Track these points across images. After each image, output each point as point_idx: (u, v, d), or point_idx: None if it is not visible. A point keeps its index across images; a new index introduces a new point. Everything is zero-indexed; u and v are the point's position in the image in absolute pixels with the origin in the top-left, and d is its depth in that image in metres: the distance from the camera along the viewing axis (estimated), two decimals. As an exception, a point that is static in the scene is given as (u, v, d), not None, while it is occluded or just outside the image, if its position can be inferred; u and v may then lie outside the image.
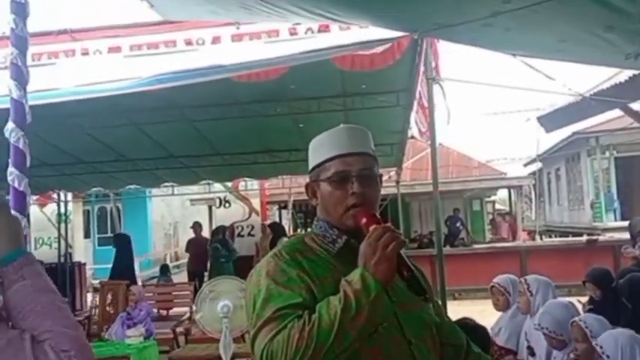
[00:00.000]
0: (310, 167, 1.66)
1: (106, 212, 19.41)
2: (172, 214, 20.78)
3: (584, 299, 4.52)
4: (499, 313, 3.91)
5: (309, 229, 1.69)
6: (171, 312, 8.18)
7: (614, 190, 18.37)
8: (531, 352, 3.14)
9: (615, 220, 17.80)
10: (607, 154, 18.42)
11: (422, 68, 5.52)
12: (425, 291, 1.48)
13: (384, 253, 1.38)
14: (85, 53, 5.29)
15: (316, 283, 1.46)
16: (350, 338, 1.35)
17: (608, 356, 2.53)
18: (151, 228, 19.12)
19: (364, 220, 1.49)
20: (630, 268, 4.24)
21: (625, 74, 5.56)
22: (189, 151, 9.56)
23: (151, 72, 4.12)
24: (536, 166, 22.62)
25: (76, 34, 5.55)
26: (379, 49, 4.86)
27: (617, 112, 8.48)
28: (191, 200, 16.54)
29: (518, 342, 3.56)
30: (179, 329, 6.97)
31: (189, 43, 5.12)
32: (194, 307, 7.79)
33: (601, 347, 2.58)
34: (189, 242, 12.33)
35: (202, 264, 11.33)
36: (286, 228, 13.57)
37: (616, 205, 18.18)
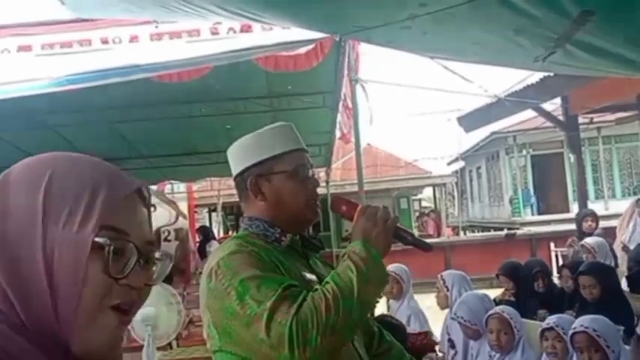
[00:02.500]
0: (254, 161, 1.57)
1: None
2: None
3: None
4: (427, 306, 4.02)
5: (241, 231, 1.62)
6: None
7: (530, 186, 19.32)
8: (452, 344, 3.24)
9: (532, 214, 18.74)
10: (524, 152, 19.35)
11: (345, 70, 5.59)
12: (430, 245, 1.56)
13: (385, 226, 1.45)
14: (-8, 51, 4.99)
15: (286, 271, 1.45)
16: (367, 307, 1.40)
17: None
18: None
19: (344, 208, 1.55)
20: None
21: (536, 76, 5.84)
22: (110, 153, 9.11)
23: (62, 72, 3.92)
24: (458, 165, 23.44)
25: (-18, 32, 5.22)
26: (302, 50, 4.86)
27: (532, 113, 8.92)
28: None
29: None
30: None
31: (105, 41, 4.92)
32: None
33: (562, 328, 2.74)
34: None
35: None
36: (215, 231, 13.37)
37: (533, 200, 19.12)
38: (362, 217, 1.46)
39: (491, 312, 2.96)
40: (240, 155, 1.61)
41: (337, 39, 4.00)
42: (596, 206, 15.15)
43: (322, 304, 1.31)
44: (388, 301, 3.99)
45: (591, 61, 3.46)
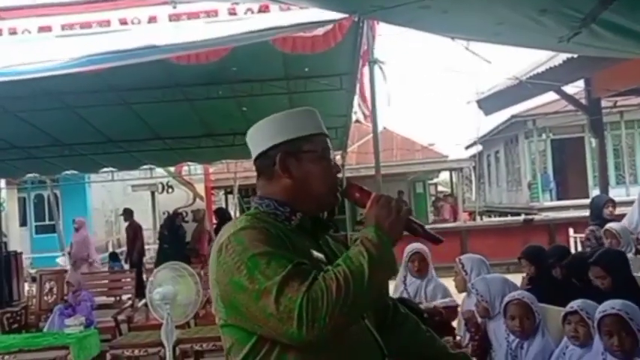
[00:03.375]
0: (284, 139, 1.54)
1: (43, 199, 18.66)
2: (113, 201, 20.18)
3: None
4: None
5: (252, 209, 1.60)
6: (114, 300, 7.98)
7: (550, 171, 19.06)
8: (467, 327, 3.23)
9: (551, 200, 18.52)
10: (543, 136, 19.07)
11: (362, 52, 5.53)
12: (440, 238, 1.55)
13: (399, 216, 1.46)
14: (13, 33, 5.01)
15: (295, 250, 1.44)
16: (376, 291, 1.40)
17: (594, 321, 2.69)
18: (91, 215, 18.52)
19: (358, 195, 1.55)
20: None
21: (560, 58, 5.73)
22: (128, 135, 9.30)
23: (82, 52, 3.93)
24: (476, 149, 23.22)
25: (3, 13, 5.24)
26: (320, 31, 4.82)
27: (553, 96, 8.78)
28: (133, 186, 16.12)
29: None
30: (121, 317, 6.80)
31: (124, 22, 4.92)
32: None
33: (587, 313, 2.74)
34: (129, 227, 11.97)
35: (137, 251, 11.11)
36: (232, 213, 13.44)
37: (552, 185, 18.87)
38: (376, 205, 1.47)
39: (509, 298, 2.93)
40: (267, 133, 1.57)
41: (356, 19, 3.95)
42: (618, 192, 14.97)
43: (333, 284, 1.32)
44: (406, 278, 3.96)
45: (617, 41, 3.38)
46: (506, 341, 2.92)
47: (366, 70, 5.27)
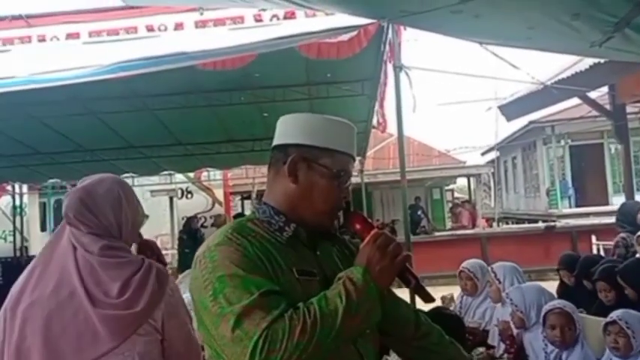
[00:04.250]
0: (306, 142, 1.46)
1: (62, 205, 18.81)
2: (132, 207, 20.33)
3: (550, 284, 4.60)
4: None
5: (249, 214, 1.54)
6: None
7: (568, 177, 18.86)
8: (503, 340, 3.18)
9: (570, 207, 18.30)
10: (562, 142, 18.90)
11: (385, 57, 5.53)
12: (432, 297, 1.44)
13: (393, 263, 1.35)
14: (42, 40, 5.08)
15: (275, 271, 1.36)
16: (342, 338, 1.29)
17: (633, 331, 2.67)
18: (110, 221, 18.67)
19: (359, 227, 1.45)
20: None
21: (585, 63, 5.68)
22: (150, 141, 9.37)
23: (112, 59, 3.98)
24: (493, 155, 23.07)
25: (32, 20, 5.33)
26: (346, 37, 4.83)
27: (571, 102, 8.70)
28: (151, 191, 16.22)
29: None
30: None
31: (150, 29, 4.98)
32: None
33: (626, 322, 2.70)
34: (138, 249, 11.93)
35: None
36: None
37: (571, 192, 18.66)
38: (372, 244, 1.36)
39: (550, 306, 2.86)
40: (295, 128, 1.49)
41: (384, 24, 3.95)
42: (638, 199, 14.76)
43: (298, 327, 1.23)
44: (462, 297, 3.88)
45: (651, 46, 3.35)
46: (544, 352, 2.86)
47: (390, 75, 5.25)
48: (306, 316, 1.24)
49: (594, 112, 9.25)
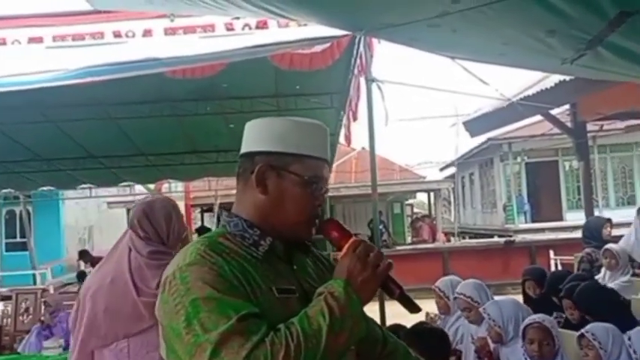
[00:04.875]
0: (273, 149, 1.35)
1: (14, 215, 18.14)
2: (87, 218, 19.78)
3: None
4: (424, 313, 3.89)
5: (220, 228, 1.41)
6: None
7: (524, 193, 19.37)
8: (480, 357, 3.16)
9: (526, 222, 18.77)
10: (518, 159, 19.41)
11: (356, 70, 5.54)
12: (418, 307, 1.35)
13: (375, 273, 1.26)
14: (2, 43, 4.88)
15: (254, 291, 1.26)
16: (333, 356, 1.19)
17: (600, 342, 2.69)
18: (63, 232, 18.09)
19: (335, 234, 1.36)
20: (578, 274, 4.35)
21: (550, 81, 5.82)
22: (110, 150, 9.14)
23: (79, 64, 3.83)
24: (451, 171, 23.49)
25: (-9, 22, 5.12)
26: (319, 48, 4.81)
27: (528, 120, 8.88)
28: (108, 203, 15.83)
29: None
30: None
31: (118, 35, 4.84)
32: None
33: (592, 334, 2.71)
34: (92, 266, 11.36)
35: None
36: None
37: (527, 207, 19.15)
38: (352, 255, 1.27)
39: (529, 321, 2.87)
40: (261, 135, 1.39)
41: (360, 36, 3.94)
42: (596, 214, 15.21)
43: (281, 351, 1.13)
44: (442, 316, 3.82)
45: (621, 64, 3.43)
46: (524, 366, 2.86)
47: (362, 88, 5.25)
48: (288, 339, 1.15)
49: (553, 130, 9.50)
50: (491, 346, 3.13)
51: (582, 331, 2.82)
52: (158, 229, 2.46)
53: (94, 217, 19.53)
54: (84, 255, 11.33)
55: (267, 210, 1.36)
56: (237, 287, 1.23)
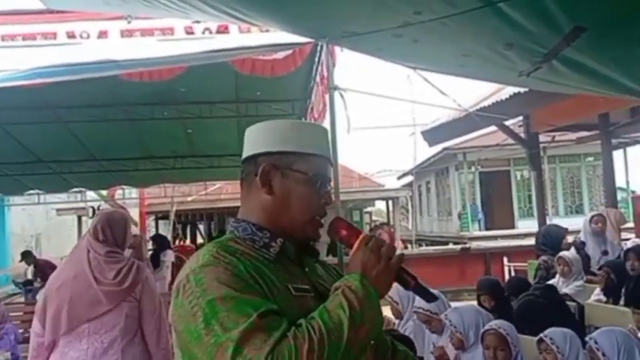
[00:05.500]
0: (275, 149, 1.36)
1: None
2: (35, 225, 19.05)
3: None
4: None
5: (227, 234, 1.40)
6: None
7: (478, 202, 19.78)
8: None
9: (480, 229, 19.18)
10: (472, 168, 19.82)
11: (318, 78, 5.53)
12: (435, 296, 1.37)
13: (389, 265, 1.27)
14: (-53, 41, 4.66)
15: (270, 289, 1.25)
16: (351, 354, 1.18)
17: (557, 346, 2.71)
18: (9, 240, 17.38)
19: (345, 233, 1.36)
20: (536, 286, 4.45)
21: (504, 93, 5.96)
22: (61, 155, 8.85)
23: (30, 64, 3.68)
24: (409, 179, 23.78)
25: None
26: (281, 54, 4.78)
27: (482, 130, 9.08)
28: (57, 210, 15.31)
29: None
30: (50, 350, 6.33)
31: (71, 36, 4.68)
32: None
33: (551, 339, 2.74)
34: (35, 268, 10.80)
35: None
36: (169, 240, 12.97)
37: (480, 215, 19.57)
38: (364, 248, 1.28)
39: (487, 327, 2.91)
40: (262, 137, 1.40)
41: (324, 44, 3.93)
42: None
43: (305, 346, 1.12)
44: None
45: (574, 78, 3.53)
46: (484, 371, 2.89)
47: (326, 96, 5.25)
48: (311, 333, 1.14)
49: (506, 141, 9.73)
50: (451, 354, 3.15)
51: (541, 335, 2.87)
52: (116, 235, 3.04)
53: (42, 224, 18.85)
54: (26, 256, 10.85)
55: (274, 211, 1.37)
56: (253, 286, 1.22)
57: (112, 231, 3.01)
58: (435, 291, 3.80)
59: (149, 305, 2.95)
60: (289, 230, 1.37)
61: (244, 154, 1.43)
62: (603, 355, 2.51)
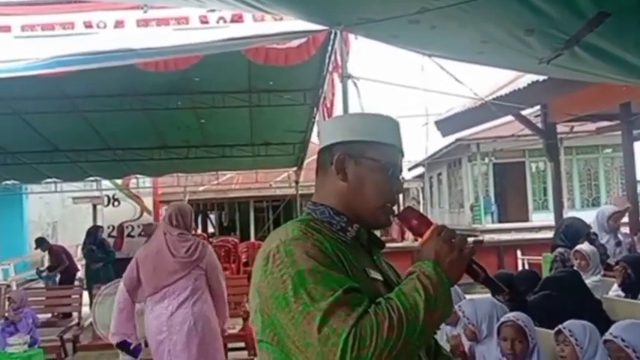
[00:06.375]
0: (348, 138, 1.44)
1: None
2: (51, 214, 19.27)
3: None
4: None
5: (304, 215, 1.46)
6: (57, 317, 7.54)
7: (492, 194, 19.60)
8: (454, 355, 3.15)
9: (493, 222, 19.01)
10: (486, 160, 19.63)
11: (331, 66, 5.50)
12: (504, 288, 1.42)
13: (461, 255, 1.31)
14: (-33, 31, 4.69)
15: (351, 269, 1.31)
16: (425, 336, 1.24)
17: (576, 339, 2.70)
18: (27, 228, 17.59)
19: (415, 222, 1.40)
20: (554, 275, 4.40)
21: (522, 81, 5.88)
22: (77, 144, 8.92)
23: (49, 53, 3.70)
24: (420, 170, 23.66)
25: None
26: (295, 43, 4.75)
27: (497, 121, 8.97)
28: (74, 198, 15.43)
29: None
30: (66, 336, 6.42)
31: (88, 25, 4.70)
32: (83, 313, 7.28)
33: (570, 331, 2.72)
34: (50, 254, 10.97)
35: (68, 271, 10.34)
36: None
37: (493, 208, 19.39)
38: (437, 237, 1.33)
39: (504, 319, 2.87)
40: (337, 128, 1.49)
41: (338, 31, 3.90)
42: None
43: (385, 322, 1.18)
44: None
45: (596, 65, 3.48)
46: (500, 364, 2.86)
47: (337, 85, 5.22)
48: (390, 312, 1.20)
49: (523, 131, 9.62)
50: (466, 345, 3.14)
51: (560, 327, 2.83)
52: (185, 221, 4.07)
53: (59, 212, 19.06)
54: (40, 243, 11.03)
55: (349, 197, 1.43)
56: (336, 263, 1.28)
57: (182, 218, 4.05)
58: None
59: (213, 272, 4.08)
60: (363, 215, 1.43)
61: (321, 145, 1.50)
62: (634, 351, 2.45)
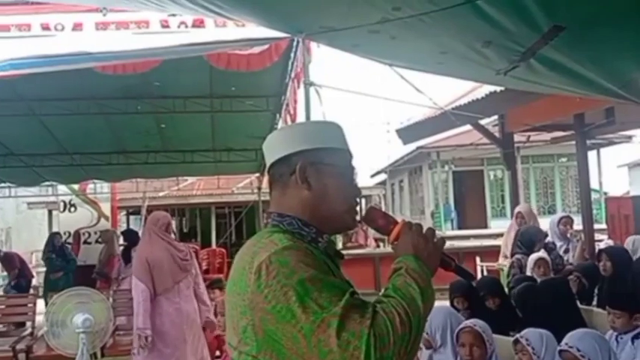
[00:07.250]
0: (307, 147, 1.42)
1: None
2: (5, 219, 18.66)
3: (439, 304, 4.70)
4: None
5: (270, 227, 1.42)
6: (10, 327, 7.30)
7: (451, 201, 19.92)
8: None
9: (452, 229, 19.30)
10: (446, 167, 19.96)
11: (293, 73, 5.50)
12: (473, 275, 1.50)
13: (435, 245, 1.35)
14: None
15: (337, 275, 1.34)
16: (423, 326, 1.27)
17: (533, 347, 2.75)
18: (-23, 235, 17.01)
19: (382, 222, 1.44)
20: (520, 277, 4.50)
21: (482, 91, 6.00)
22: (32, 148, 8.68)
23: (3, 56, 3.58)
24: (382, 177, 23.87)
25: None
26: (257, 49, 4.74)
27: (457, 129, 9.14)
28: (28, 204, 15.00)
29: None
30: (19, 346, 6.21)
31: (46, 27, 4.57)
32: (36, 322, 7.05)
33: (527, 340, 2.77)
34: (2, 261, 10.50)
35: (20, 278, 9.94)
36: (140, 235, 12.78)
37: (453, 215, 19.70)
38: (411, 232, 1.37)
39: (462, 326, 2.92)
40: (290, 138, 1.47)
41: (300, 40, 3.91)
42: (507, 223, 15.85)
43: (396, 318, 1.19)
44: None
45: (550, 77, 3.58)
46: (457, 371, 2.90)
47: (300, 92, 5.23)
48: (397, 308, 1.21)
49: (481, 140, 9.82)
50: (425, 354, 3.16)
51: (517, 336, 2.89)
52: (173, 229, 4.79)
53: (12, 218, 18.48)
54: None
55: (314, 205, 1.41)
56: (328, 272, 1.28)
57: (171, 226, 4.75)
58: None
59: (197, 276, 4.73)
60: (330, 221, 1.43)
61: (273, 159, 1.46)
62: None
